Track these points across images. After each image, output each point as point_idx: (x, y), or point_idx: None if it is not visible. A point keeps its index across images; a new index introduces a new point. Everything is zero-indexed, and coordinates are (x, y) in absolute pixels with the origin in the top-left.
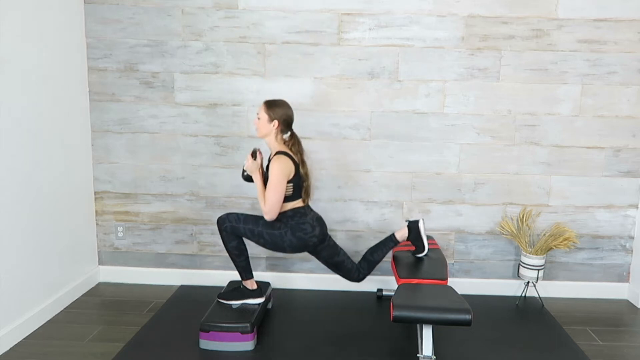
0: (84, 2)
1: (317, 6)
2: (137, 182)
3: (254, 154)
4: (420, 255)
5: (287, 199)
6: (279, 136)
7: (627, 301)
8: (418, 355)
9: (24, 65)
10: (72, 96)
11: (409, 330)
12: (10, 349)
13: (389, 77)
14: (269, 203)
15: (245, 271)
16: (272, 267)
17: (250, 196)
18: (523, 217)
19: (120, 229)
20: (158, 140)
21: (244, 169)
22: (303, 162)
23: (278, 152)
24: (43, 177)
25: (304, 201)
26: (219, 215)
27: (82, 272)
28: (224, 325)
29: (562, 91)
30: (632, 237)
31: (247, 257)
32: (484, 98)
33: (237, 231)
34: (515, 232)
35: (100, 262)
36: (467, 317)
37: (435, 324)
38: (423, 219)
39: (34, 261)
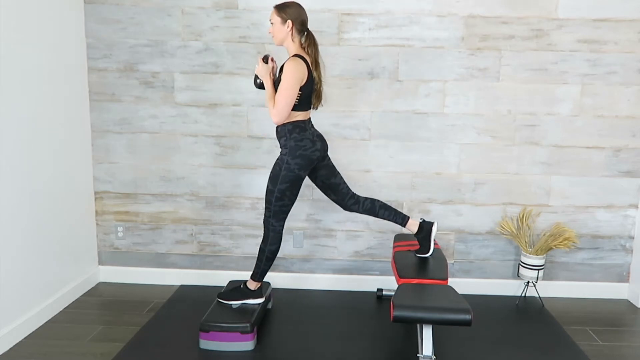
0: (84, 2)
1: (317, 6)
2: (137, 182)
3: (265, 59)
4: (422, 255)
5: (293, 107)
6: (296, 39)
7: (627, 301)
8: (418, 355)
9: (24, 66)
10: (72, 96)
11: (409, 330)
12: (10, 349)
13: (389, 77)
14: (279, 105)
15: (263, 275)
16: (272, 267)
17: (250, 196)
18: (523, 217)
19: (120, 229)
20: (158, 140)
21: (256, 73)
22: (317, 63)
23: (294, 55)
24: (43, 177)
25: (314, 106)
26: (263, 220)
27: (82, 272)
28: (224, 325)
29: (562, 91)
30: (632, 237)
31: (272, 265)
32: (484, 98)
33: (278, 215)
34: (515, 232)
35: (100, 262)
36: (467, 317)
37: (435, 324)
38: (437, 223)
39: (34, 261)
